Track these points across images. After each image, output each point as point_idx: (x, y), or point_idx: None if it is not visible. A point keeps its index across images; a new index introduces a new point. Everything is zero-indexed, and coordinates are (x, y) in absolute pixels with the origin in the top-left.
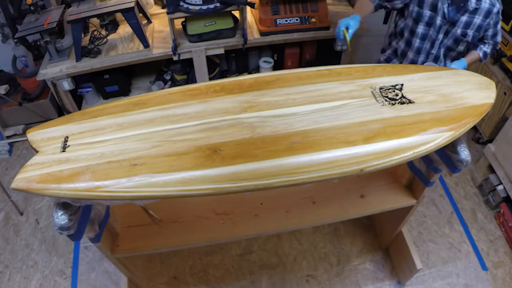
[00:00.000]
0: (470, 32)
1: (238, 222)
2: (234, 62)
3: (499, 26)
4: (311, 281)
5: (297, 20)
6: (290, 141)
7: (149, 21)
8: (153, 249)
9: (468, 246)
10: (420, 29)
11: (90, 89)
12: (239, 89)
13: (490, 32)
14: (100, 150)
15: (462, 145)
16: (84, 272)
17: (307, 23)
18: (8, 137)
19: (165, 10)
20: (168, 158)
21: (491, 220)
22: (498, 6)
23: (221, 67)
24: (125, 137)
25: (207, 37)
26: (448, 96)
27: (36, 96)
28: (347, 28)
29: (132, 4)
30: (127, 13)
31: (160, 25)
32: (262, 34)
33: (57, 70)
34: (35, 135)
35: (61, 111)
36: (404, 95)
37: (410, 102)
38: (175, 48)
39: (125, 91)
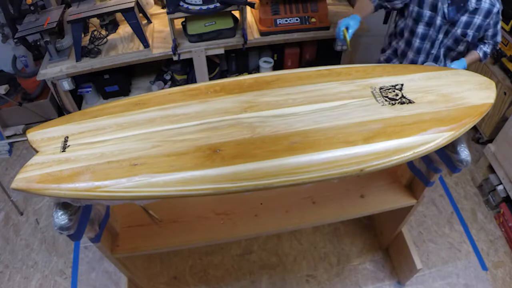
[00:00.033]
0: (470, 32)
1: (238, 222)
2: (234, 62)
3: (499, 26)
4: (311, 281)
5: (297, 20)
6: (290, 141)
7: (149, 21)
8: (153, 249)
9: (468, 246)
10: (420, 29)
11: (90, 89)
12: (239, 89)
13: (490, 32)
14: (100, 150)
15: (462, 145)
16: (84, 272)
17: (307, 23)
18: (8, 137)
19: (165, 10)
20: (168, 158)
21: (491, 220)
22: (498, 6)
23: (221, 67)
24: (125, 137)
25: (207, 37)
26: (448, 96)
27: (36, 96)
28: (347, 28)
29: (132, 4)
30: (127, 13)
31: (160, 25)
32: (262, 34)
33: (57, 70)
34: (35, 135)
35: (61, 111)
36: (404, 95)
37: (410, 102)
38: (175, 48)
39: (125, 91)
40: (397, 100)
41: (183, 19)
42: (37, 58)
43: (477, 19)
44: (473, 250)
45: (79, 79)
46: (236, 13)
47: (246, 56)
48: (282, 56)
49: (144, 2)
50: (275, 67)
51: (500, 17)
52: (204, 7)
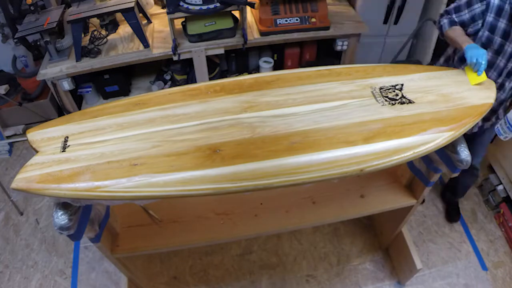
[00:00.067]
0: None
1: (238, 222)
2: (234, 62)
3: None
4: (311, 281)
5: (297, 20)
6: (290, 141)
7: (149, 21)
8: (153, 249)
9: (468, 246)
10: (488, 56)
11: (90, 89)
12: (239, 89)
13: None
14: (100, 150)
15: (462, 145)
16: (84, 272)
17: (307, 23)
18: (8, 137)
19: (165, 10)
20: (168, 158)
21: (491, 220)
22: None
23: (221, 67)
24: (125, 137)
25: (207, 37)
26: (448, 96)
27: (36, 96)
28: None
29: (132, 4)
30: (127, 13)
31: (160, 25)
32: (262, 34)
33: (57, 70)
34: (35, 135)
35: (61, 111)
36: (404, 95)
37: (410, 102)
38: (175, 48)
39: (125, 91)
40: (397, 100)
41: (183, 19)
42: (37, 58)
43: None
44: (473, 250)
45: (79, 79)
46: (236, 13)
47: (246, 56)
48: (282, 56)
49: (144, 2)
50: (275, 67)
51: None
52: (204, 7)
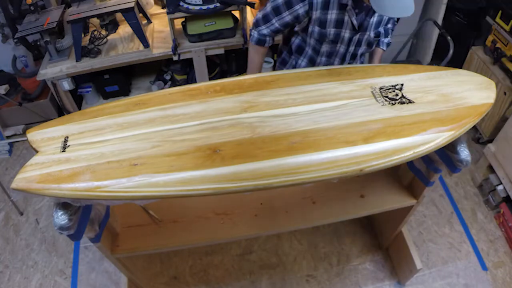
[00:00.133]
0: (381, 29)
1: (238, 222)
2: (234, 62)
3: None
4: (311, 281)
5: None
6: (290, 141)
7: (149, 21)
8: (153, 249)
9: (468, 246)
10: (325, 47)
11: (90, 89)
12: (239, 89)
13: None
14: (100, 150)
15: (462, 145)
16: (84, 272)
17: None
18: (8, 137)
19: (165, 10)
20: (168, 158)
21: (491, 220)
22: None
23: (221, 67)
24: (125, 137)
25: (207, 37)
26: (448, 96)
27: (36, 96)
28: None
29: (132, 4)
30: (127, 13)
31: (160, 25)
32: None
33: (57, 70)
34: (35, 135)
35: (61, 111)
36: (404, 95)
37: (410, 102)
38: (175, 48)
39: (125, 91)
40: (397, 100)
41: (183, 19)
42: (37, 58)
43: None
44: (473, 250)
45: (79, 79)
46: (236, 13)
47: (246, 56)
48: None
49: (144, 2)
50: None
51: None
52: (204, 7)
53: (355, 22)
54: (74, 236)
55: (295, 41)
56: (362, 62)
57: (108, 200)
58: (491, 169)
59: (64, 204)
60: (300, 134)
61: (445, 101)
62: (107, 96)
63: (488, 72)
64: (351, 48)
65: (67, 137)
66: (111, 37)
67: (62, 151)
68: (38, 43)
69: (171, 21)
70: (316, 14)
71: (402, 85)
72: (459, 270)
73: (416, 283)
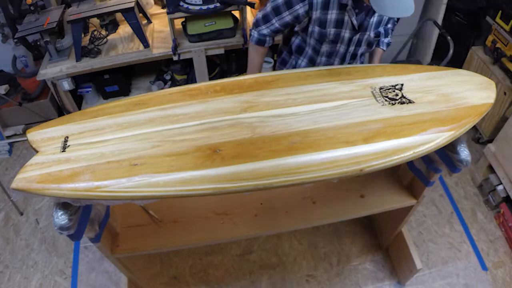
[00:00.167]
0: (381, 29)
1: (238, 222)
2: (234, 62)
3: None
4: (311, 281)
5: None
6: (290, 141)
7: (149, 21)
8: (153, 249)
9: (468, 246)
10: (325, 48)
11: (90, 89)
12: (239, 89)
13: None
14: (100, 150)
15: (462, 145)
16: (84, 272)
17: None
18: (8, 137)
19: (165, 10)
20: (168, 158)
21: (491, 220)
22: None
23: (221, 67)
24: (125, 137)
25: (207, 37)
26: (448, 96)
27: (36, 96)
28: None
29: (132, 4)
30: (127, 13)
31: (160, 25)
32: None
33: (57, 70)
34: (35, 135)
35: (61, 111)
36: (404, 95)
37: (410, 102)
38: (175, 48)
39: (125, 91)
40: (397, 100)
41: (183, 19)
42: (37, 58)
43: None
44: (473, 250)
45: (79, 79)
46: (236, 13)
47: (246, 56)
48: None
49: (144, 2)
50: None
51: None
52: (204, 7)
53: (355, 22)
54: (74, 236)
55: (295, 41)
56: (362, 62)
57: (108, 200)
58: (491, 169)
59: (64, 204)
60: (300, 134)
61: (445, 101)
62: (107, 96)
63: (488, 72)
64: (351, 48)
65: (67, 137)
66: (111, 37)
67: (62, 151)
68: (38, 43)
69: (171, 21)
70: (316, 14)
71: (402, 85)
72: (459, 270)
73: (416, 283)
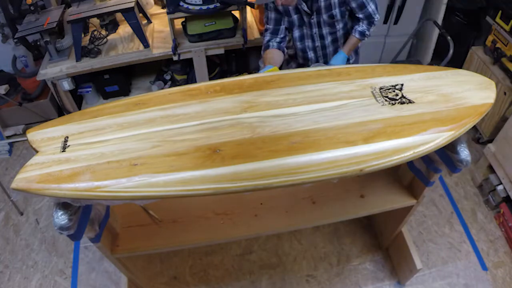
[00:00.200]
0: (335, 12)
1: (238, 222)
2: (234, 62)
3: None
4: (311, 281)
5: None
6: (290, 141)
7: (149, 21)
8: (153, 249)
9: (468, 246)
10: (296, 33)
11: (90, 89)
12: (239, 89)
13: (354, 4)
14: (100, 150)
15: (462, 145)
16: (84, 272)
17: None
18: (8, 137)
19: (165, 10)
20: (168, 158)
21: (491, 220)
22: None
23: (221, 67)
24: (125, 137)
25: (207, 37)
26: (448, 96)
27: (36, 96)
28: None
29: (132, 4)
30: (127, 13)
31: (160, 25)
32: (262, 34)
33: (57, 70)
34: (35, 135)
35: (61, 111)
36: (404, 95)
37: (410, 102)
38: (175, 48)
39: (125, 91)
40: (397, 100)
41: (183, 19)
42: (37, 58)
43: None
44: (473, 250)
45: (79, 79)
46: (236, 13)
47: (246, 56)
48: None
49: (144, 2)
50: None
51: None
52: (204, 7)
53: (305, 8)
54: (74, 236)
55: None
56: (337, 48)
57: (108, 200)
58: (491, 169)
59: (64, 204)
60: (300, 134)
61: (445, 101)
62: (107, 96)
63: (488, 72)
64: (315, 30)
65: (67, 137)
66: (111, 37)
67: (62, 151)
68: (38, 43)
69: (171, 21)
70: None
71: (402, 85)
72: (459, 270)
73: (416, 283)
